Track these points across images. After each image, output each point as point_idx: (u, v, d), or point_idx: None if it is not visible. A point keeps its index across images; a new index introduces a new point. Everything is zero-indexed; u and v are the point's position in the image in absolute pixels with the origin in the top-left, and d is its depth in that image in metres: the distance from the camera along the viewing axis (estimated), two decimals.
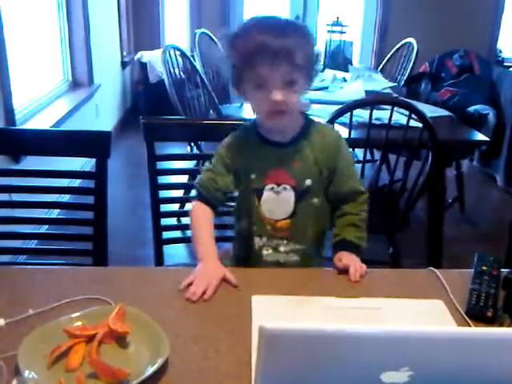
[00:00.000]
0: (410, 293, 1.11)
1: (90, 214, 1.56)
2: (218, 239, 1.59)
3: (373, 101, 2.18)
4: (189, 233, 1.47)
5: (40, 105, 3.28)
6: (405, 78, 3.68)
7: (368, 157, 3.71)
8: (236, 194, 1.37)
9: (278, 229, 1.32)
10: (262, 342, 0.63)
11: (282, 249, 1.33)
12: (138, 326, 0.96)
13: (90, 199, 1.55)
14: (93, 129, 1.61)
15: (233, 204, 1.40)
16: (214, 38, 4.17)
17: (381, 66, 4.01)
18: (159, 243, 1.77)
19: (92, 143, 1.55)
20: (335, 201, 1.34)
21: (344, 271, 1.19)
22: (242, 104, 3.16)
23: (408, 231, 2.93)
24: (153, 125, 1.72)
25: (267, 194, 1.29)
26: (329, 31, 3.99)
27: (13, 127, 1.47)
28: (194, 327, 1.02)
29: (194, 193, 1.38)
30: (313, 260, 1.36)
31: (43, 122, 3.10)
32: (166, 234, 1.76)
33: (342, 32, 3.94)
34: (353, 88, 3.34)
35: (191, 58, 3.44)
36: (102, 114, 4.29)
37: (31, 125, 3.00)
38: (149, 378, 0.85)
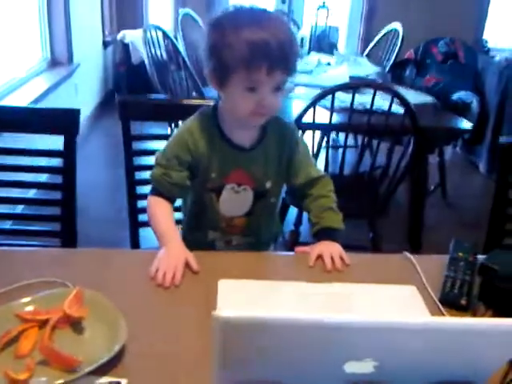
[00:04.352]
0: (383, 278, 1.08)
1: (58, 193, 1.51)
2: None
3: (355, 85, 2.12)
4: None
5: (17, 83, 3.19)
6: (390, 63, 3.63)
7: (352, 142, 3.71)
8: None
9: (233, 226, 1.30)
10: (217, 330, 0.59)
11: (234, 242, 1.32)
12: (96, 311, 0.91)
13: (58, 178, 1.49)
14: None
15: None
16: (197, 19, 4.09)
17: (367, 51, 3.96)
18: (135, 226, 1.72)
19: (60, 120, 1.48)
20: (299, 190, 1.32)
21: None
22: None
23: (390, 216, 2.92)
24: (128, 103, 1.67)
25: (227, 193, 1.26)
26: (315, 15, 3.93)
27: None
28: (157, 313, 0.97)
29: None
30: (261, 248, 1.34)
31: (19, 99, 3.01)
32: (143, 217, 1.71)
33: (327, 16, 3.88)
34: (337, 72, 3.29)
35: (173, 39, 3.36)
36: (81, 93, 4.19)
37: (6, 102, 2.92)
38: (104, 364, 0.81)
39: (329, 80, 3.12)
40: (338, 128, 2.22)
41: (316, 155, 2.29)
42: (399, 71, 3.40)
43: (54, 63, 3.85)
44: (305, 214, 2.36)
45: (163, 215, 1.21)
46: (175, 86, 3.43)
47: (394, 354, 0.65)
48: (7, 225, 1.52)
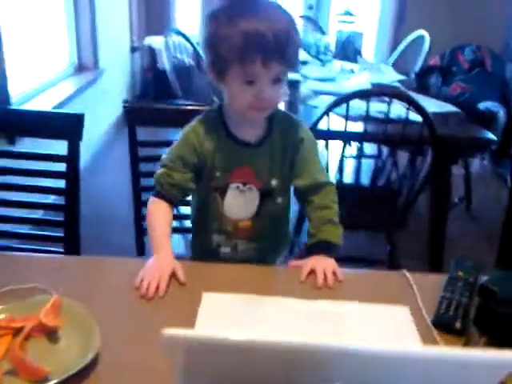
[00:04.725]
0: (377, 297, 1.03)
1: (61, 199, 1.51)
2: (177, 230, 1.51)
3: (370, 92, 2.07)
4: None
5: (43, 87, 3.24)
6: (416, 71, 3.55)
7: (375, 152, 3.63)
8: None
9: (239, 229, 1.26)
10: (165, 349, 0.56)
11: (240, 248, 1.28)
12: (73, 320, 0.90)
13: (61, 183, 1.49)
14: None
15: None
16: None
17: (393, 57, 3.89)
18: (140, 233, 1.71)
19: (64, 125, 1.48)
20: (302, 193, 1.27)
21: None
22: None
23: (411, 229, 2.84)
24: (134, 109, 1.67)
25: (232, 193, 1.22)
26: (339, 21, 3.88)
27: None
28: (136, 324, 0.95)
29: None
30: (269, 256, 1.29)
31: (44, 103, 3.05)
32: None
33: (351, 22, 3.82)
34: (359, 80, 3.23)
35: (195, 44, 3.37)
36: (107, 98, 4.24)
37: (31, 105, 2.97)
38: (76, 374, 0.79)
39: (350, 87, 3.07)
40: (352, 137, 2.16)
41: (340, 165, 2.23)
42: (425, 79, 3.31)
43: (80, 68, 3.90)
44: None
45: (159, 221, 1.18)
46: (198, 91, 3.43)
47: (364, 381, 0.61)
48: (8, 228, 1.51)
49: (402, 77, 3.35)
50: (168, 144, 1.57)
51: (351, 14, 3.93)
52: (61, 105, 3.16)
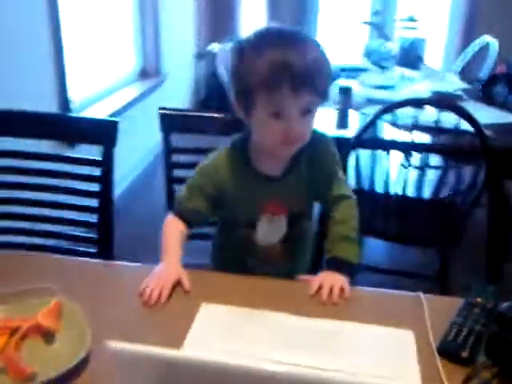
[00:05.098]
0: (385, 318, 0.98)
1: (95, 201, 1.55)
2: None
3: (418, 101, 1.99)
4: (203, 230, 1.43)
5: (107, 91, 3.36)
6: (483, 79, 3.38)
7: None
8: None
9: (270, 254, 1.24)
10: (112, 362, 0.56)
11: (274, 271, 1.22)
12: (71, 324, 0.92)
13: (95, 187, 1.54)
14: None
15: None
16: None
17: (459, 65, 3.72)
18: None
19: (99, 131, 1.53)
20: (325, 208, 1.24)
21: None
22: None
23: (468, 245, 2.71)
24: (169, 116, 1.69)
25: (262, 225, 1.20)
26: (402, 27, 3.76)
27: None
28: (132, 330, 0.95)
29: None
30: (307, 269, 1.27)
31: (106, 109, 3.16)
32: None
33: (414, 28, 3.69)
34: (418, 88, 3.13)
35: None
36: (170, 104, 4.32)
37: (95, 109, 3.08)
38: (65, 376, 0.81)
39: (408, 96, 2.98)
40: (399, 146, 2.08)
41: (386, 176, 2.16)
42: (490, 88, 3.15)
43: (143, 74, 4.02)
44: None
45: (171, 233, 1.18)
46: None
47: None
48: (45, 227, 1.57)
49: (466, 85, 3.21)
50: (203, 151, 1.59)
51: (414, 20, 3.80)
52: (124, 109, 3.27)
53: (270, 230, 1.21)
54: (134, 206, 3.15)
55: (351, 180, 2.17)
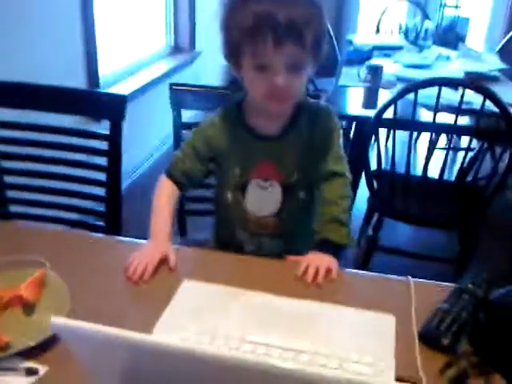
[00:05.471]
0: (369, 302, 0.95)
1: (102, 175, 1.56)
2: (198, 212, 1.45)
3: (438, 81, 1.91)
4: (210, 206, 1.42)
5: (139, 65, 3.39)
6: None
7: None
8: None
9: (262, 226, 1.21)
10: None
11: (264, 246, 1.23)
12: (52, 295, 0.93)
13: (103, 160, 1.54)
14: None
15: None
16: None
17: (500, 45, 3.57)
18: (182, 214, 1.74)
19: (107, 105, 1.53)
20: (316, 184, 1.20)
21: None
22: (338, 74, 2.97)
23: (498, 231, 2.62)
24: (180, 91, 1.67)
25: (253, 190, 1.18)
26: (443, 5, 3.61)
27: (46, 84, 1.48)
28: (110, 304, 0.95)
29: None
30: (302, 247, 1.23)
31: (140, 80, 3.21)
32: (190, 206, 1.72)
33: (456, 7, 3.54)
34: (452, 68, 3.01)
35: None
36: (202, 81, 4.33)
37: (129, 81, 3.13)
38: (38, 347, 0.82)
39: (442, 75, 2.87)
40: (421, 127, 2.02)
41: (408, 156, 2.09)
42: None
43: (176, 50, 4.01)
44: (387, 219, 2.24)
45: (162, 203, 1.17)
46: None
47: None
48: (51, 199, 1.59)
49: (503, 66, 3.07)
50: None
51: None
52: (155, 82, 3.28)
53: (261, 198, 1.18)
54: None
55: (373, 160, 2.12)
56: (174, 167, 1.21)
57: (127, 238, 1.20)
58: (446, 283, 1.00)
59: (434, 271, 2.52)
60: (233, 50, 1.07)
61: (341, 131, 1.21)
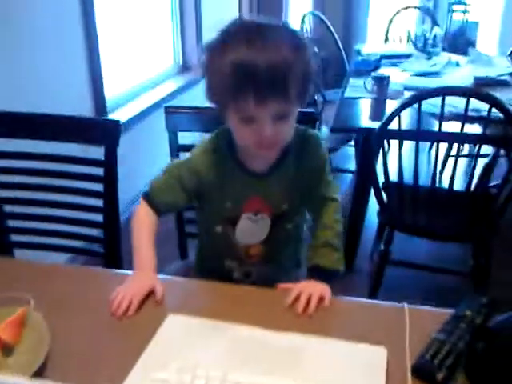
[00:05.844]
0: (361, 332, 0.90)
1: (99, 201, 1.54)
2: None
3: (442, 91, 1.86)
4: None
5: (148, 85, 3.40)
6: None
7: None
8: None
9: (250, 254, 1.19)
10: None
11: (254, 274, 1.22)
12: (32, 335, 0.90)
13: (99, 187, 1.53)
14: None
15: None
16: (326, 20, 3.98)
17: (511, 48, 3.49)
18: (182, 236, 1.71)
19: (101, 131, 1.51)
20: (310, 211, 1.18)
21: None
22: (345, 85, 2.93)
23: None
24: (176, 114, 1.64)
25: (243, 223, 1.15)
26: (451, 10, 3.54)
27: (30, 112, 1.47)
28: (92, 342, 0.92)
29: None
30: (288, 273, 1.20)
31: (149, 99, 3.21)
32: (191, 228, 1.69)
33: (465, 11, 3.47)
34: (461, 74, 2.95)
35: None
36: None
37: (137, 102, 3.14)
38: None
39: (451, 82, 2.81)
40: (425, 136, 1.96)
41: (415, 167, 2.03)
42: None
43: (185, 68, 4.02)
44: (397, 233, 2.18)
45: (145, 232, 1.13)
46: None
47: None
48: (48, 226, 1.58)
49: None
50: None
51: (465, 3, 3.57)
52: (164, 101, 3.28)
53: (251, 229, 1.15)
54: None
55: (380, 171, 2.07)
56: (153, 194, 1.17)
57: (120, 270, 1.17)
58: (444, 309, 0.94)
59: (450, 284, 2.46)
60: (215, 99, 1.02)
61: (328, 156, 1.19)
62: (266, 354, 0.85)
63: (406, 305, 0.96)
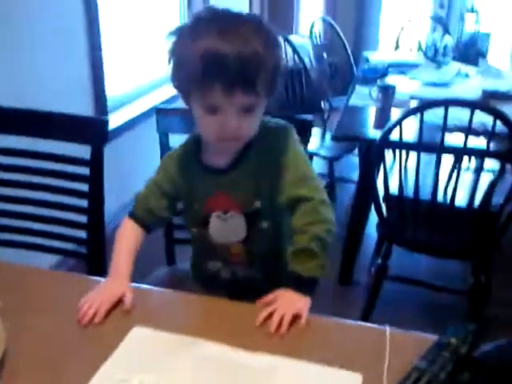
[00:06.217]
0: (337, 355, 0.84)
1: (84, 201, 1.49)
2: (187, 241, 1.38)
3: (446, 102, 1.80)
4: None
5: (145, 89, 3.33)
6: None
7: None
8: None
9: (232, 254, 1.14)
10: None
11: (240, 274, 1.17)
12: None
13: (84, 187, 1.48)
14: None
15: None
16: (336, 26, 3.93)
17: None
18: (170, 242, 1.66)
19: (88, 129, 1.46)
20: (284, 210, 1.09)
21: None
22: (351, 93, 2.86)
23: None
24: (167, 115, 1.59)
25: (214, 223, 1.11)
26: (462, 20, 3.47)
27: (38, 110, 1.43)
28: (51, 347, 0.87)
29: None
30: (272, 284, 1.14)
31: (150, 101, 3.17)
32: (178, 234, 1.64)
33: (476, 22, 3.40)
34: (470, 85, 2.88)
35: (295, 47, 3.25)
36: None
37: (131, 108, 3.06)
38: None
39: (458, 94, 2.75)
40: (428, 149, 1.89)
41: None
42: None
43: None
44: (396, 247, 2.11)
45: (124, 242, 1.11)
46: (301, 96, 3.34)
47: None
48: (32, 225, 1.53)
49: None
50: None
51: (477, 11, 3.50)
52: (167, 102, 3.23)
53: (222, 228, 1.11)
54: None
55: (380, 183, 2.01)
56: (137, 206, 1.16)
57: (94, 277, 1.11)
58: (428, 334, 0.88)
59: (447, 302, 2.38)
60: (181, 87, 1.00)
61: (299, 150, 1.08)
62: (233, 374, 0.79)
63: (387, 328, 0.89)
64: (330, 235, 1.02)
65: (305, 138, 1.34)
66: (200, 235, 1.14)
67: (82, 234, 1.51)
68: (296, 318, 0.92)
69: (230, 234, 1.11)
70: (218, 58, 0.89)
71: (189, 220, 1.16)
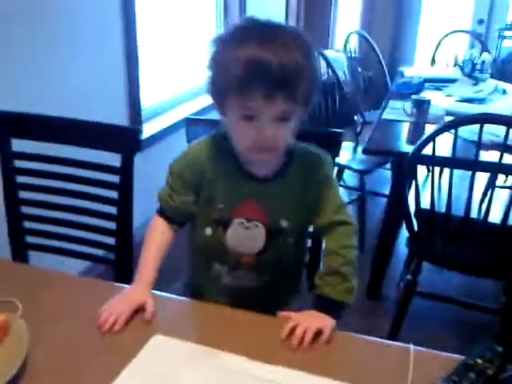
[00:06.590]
0: (360, 372, 0.83)
1: (113, 208, 1.51)
2: None
3: (480, 119, 1.76)
4: None
5: (179, 100, 3.38)
6: None
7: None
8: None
9: (242, 263, 1.12)
10: None
11: (243, 281, 1.14)
12: (11, 344, 0.86)
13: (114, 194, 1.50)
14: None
15: None
16: (370, 40, 3.91)
17: None
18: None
19: (121, 138, 1.48)
20: (318, 234, 1.11)
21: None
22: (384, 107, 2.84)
23: None
24: (197, 125, 1.60)
25: (235, 229, 1.09)
26: (501, 36, 3.41)
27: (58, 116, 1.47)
28: (72, 356, 0.87)
29: None
30: (288, 296, 1.13)
31: (180, 113, 3.19)
32: None
33: None
34: (508, 102, 2.82)
35: (329, 60, 3.24)
36: None
37: (164, 118, 3.10)
38: None
39: (495, 110, 2.69)
40: (462, 166, 1.86)
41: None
42: None
43: None
44: (425, 263, 2.07)
45: (151, 246, 1.10)
46: (333, 109, 3.32)
47: None
48: (62, 230, 1.55)
49: None
50: None
51: None
52: (202, 112, 3.26)
53: (243, 237, 1.09)
54: None
55: (411, 199, 1.98)
56: (164, 204, 1.14)
57: (119, 284, 1.12)
58: (453, 354, 0.85)
59: (477, 321, 2.32)
60: (218, 94, 1.00)
61: (335, 178, 1.14)
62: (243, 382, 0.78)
63: (412, 346, 0.87)
64: (357, 262, 1.05)
65: (334, 150, 1.33)
66: (214, 237, 1.10)
67: (111, 240, 1.53)
68: (319, 333, 0.91)
69: (248, 243, 1.10)
70: (260, 65, 0.89)
71: (205, 218, 1.11)
